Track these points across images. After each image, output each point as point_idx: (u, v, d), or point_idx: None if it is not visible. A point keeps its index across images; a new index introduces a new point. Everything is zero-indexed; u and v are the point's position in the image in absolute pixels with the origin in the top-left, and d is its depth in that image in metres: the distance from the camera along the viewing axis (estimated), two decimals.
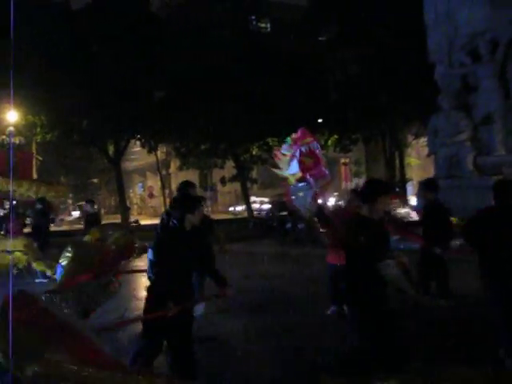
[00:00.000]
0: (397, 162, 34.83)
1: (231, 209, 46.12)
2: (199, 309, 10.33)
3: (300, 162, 7.53)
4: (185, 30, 29.71)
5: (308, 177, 7.48)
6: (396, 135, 33.56)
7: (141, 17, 28.42)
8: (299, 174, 7.66)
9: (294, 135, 7.71)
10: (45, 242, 13.91)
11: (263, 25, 41.23)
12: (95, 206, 14.12)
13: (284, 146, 7.85)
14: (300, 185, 7.74)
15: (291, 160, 7.57)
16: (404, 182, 34.53)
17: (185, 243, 5.21)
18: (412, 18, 22.42)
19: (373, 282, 4.77)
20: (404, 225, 7.06)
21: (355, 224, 5.06)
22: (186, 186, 7.01)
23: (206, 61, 27.67)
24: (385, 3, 26.33)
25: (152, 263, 5.18)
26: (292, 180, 7.77)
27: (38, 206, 14.49)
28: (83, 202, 53.72)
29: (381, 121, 30.41)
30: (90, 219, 13.76)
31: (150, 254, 5.25)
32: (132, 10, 28.20)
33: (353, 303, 5.02)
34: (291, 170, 7.66)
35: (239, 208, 44.06)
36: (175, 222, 5.29)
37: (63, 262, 7.03)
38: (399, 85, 26.67)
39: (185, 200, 5.65)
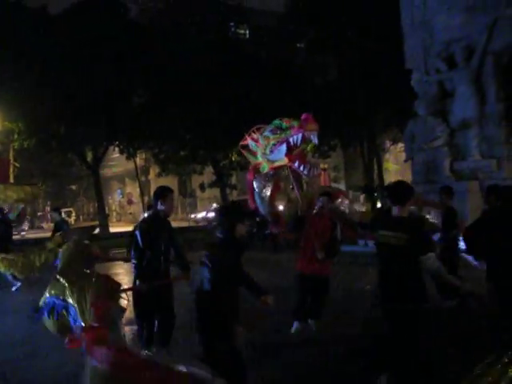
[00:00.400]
0: (375, 167, 35.06)
1: (192, 216, 45.75)
2: None
3: (291, 148, 6.82)
4: (164, 35, 29.71)
5: (297, 165, 6.87)
6: (374, 141, 33.80)
7: (119, 22, 28.38)
8: (282, 162, 6.99)
9: (286, 119, 6.99)
10: (5, 251, 13.68)
11: (242, 31, 41.31)
12: (62, 214, 13.89)
13: (269, 128, 7.11)
14: (271, 173, 7.19)
15: (279, 144, 6.85)
16: (382, 187, 34.75)
17: (237, 254, 5.07)
18: (391, 23, 22.64)
19: (418, 276, 5.07)
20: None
21: (394, 223, 5.21)
22: (163, 190, 6.81)
23: (183, 67, 27.70)
24: (364, 8, 26.55)
25: (212, 284, 4.91)
26: (266, 167, 7.13)
27: None
28: (61, 210, 53.28)
29: (359, 126, 30.60)
30: (57, 227, 13.68)
31: (205, 272, 4.93)
32: (110, 15, 28.13)
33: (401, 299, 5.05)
34: (274, 155, 6.96)
35: (200, 215, 44.00)
36: (224, 232, 5.06)
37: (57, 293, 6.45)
38: (378, 90, 26.89)
39: (234, 208, 5.45)
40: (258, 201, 7.27)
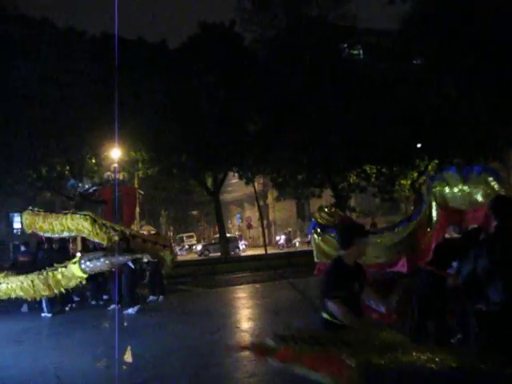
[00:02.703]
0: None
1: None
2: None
3: None
4: (277, 62, 30.08)
5: None
6: (501, 157, 32.04)
7: (234, 51, 29.06)
8: None
9: None
10: None
11: (355, 52, 40.91)
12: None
13: None
14: None
15: None
16: None
17: None
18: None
19: None
20: None
21: None
22: None
23: (296, 92, 27.84)
24: (483, 21, 25.27)
25: None
26: None
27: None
28: (183, 235, 54.84)
29: (482, 143, 29.14)
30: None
31: None
32: (225, 46, 28.87)
33: None
34: None
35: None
36: None
37: None
38: (502, 104, 25.46)
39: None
40: None
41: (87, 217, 15.36)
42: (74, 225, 15.26)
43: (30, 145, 25.15)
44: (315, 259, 8.59)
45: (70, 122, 25.55)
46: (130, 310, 13.48)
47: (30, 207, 16.43)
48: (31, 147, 25.41)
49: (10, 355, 9.43)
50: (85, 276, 13.35)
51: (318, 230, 8.59)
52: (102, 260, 13.19)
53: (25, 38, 25.21)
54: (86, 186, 17.55)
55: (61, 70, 24.61)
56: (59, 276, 13.33)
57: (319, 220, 8.74)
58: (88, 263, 13.21)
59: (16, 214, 52.60)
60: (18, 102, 24.17)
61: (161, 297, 15.76)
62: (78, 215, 15.36)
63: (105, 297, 15.97)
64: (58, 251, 15.68)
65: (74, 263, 13.28)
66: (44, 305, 14.22)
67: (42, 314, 14.11)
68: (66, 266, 13.38)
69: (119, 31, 26.76)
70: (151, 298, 15.72)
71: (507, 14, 23.38)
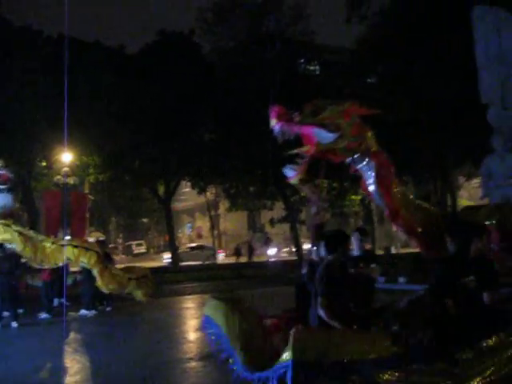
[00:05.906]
0: (449, 203, 34.06)
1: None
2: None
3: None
4: (233, 72, 30.20)
5: None
6: (447, 177, 32.85)
7: (191, 60, 29.06)
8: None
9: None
10: None
11: (312, 67, 41.39)
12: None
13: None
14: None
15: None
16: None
17: None
18: (464, 57, 22.05)
19: None
20: None
21: None
22: None
23: (253, 103, 27.96)
24: (435, 43, 25.96)
25: None
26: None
27: None
28: (132, 242, 54.04)
29: (431, 162, 29.85)
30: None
31: None
32: (183, 53, 28.86)
33: None
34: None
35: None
36: None
37: None
38: (452, 125, 26.19)
39: None
40: None
41: None
42: None
43: None
44: None
45: (22, 122, 25.06)
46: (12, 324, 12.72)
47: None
48: None
49: None
50: None
51: None
52: None
53: None
54: None
55: (15, 69, 24.14)
56: None
57: None
58: None
59: None
60: None
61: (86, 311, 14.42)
62: None
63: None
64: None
65: None
66: None
67: None
68: None
69: (76, 34, 26.41)
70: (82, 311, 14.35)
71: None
